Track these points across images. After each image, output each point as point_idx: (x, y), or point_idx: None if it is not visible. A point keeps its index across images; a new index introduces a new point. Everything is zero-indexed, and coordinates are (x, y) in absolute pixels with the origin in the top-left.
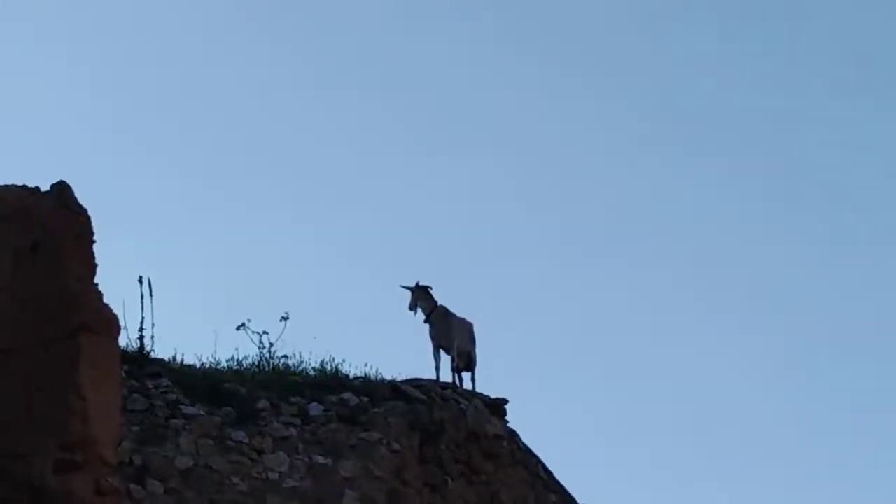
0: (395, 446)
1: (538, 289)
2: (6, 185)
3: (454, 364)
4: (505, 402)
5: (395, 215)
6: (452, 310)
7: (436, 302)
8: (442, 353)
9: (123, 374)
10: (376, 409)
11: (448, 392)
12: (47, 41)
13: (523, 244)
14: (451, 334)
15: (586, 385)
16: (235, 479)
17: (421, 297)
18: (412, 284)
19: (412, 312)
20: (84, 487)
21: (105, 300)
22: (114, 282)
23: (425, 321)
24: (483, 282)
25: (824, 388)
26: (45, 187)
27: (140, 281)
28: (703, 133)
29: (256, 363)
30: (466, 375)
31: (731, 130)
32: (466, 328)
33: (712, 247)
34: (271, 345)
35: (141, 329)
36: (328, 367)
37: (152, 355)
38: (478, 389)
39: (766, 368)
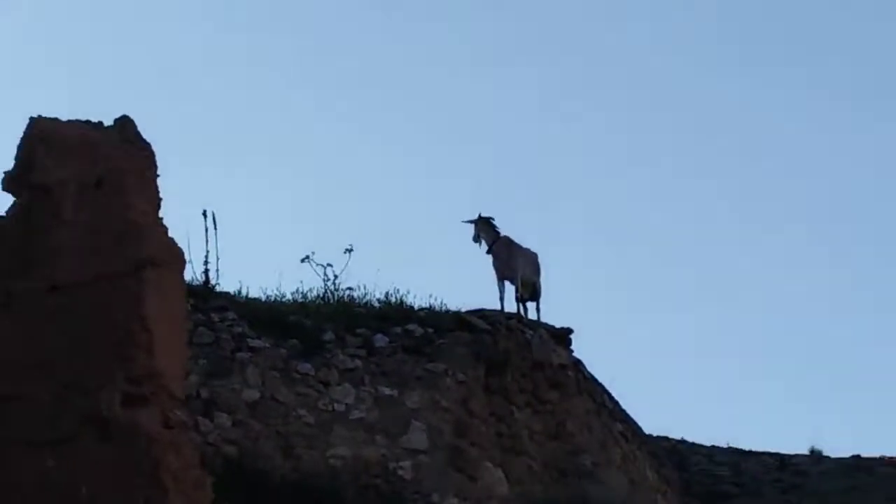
0: (461, 377)
1: (603, 218)
2: (69, 121)
3: (518, 294)
4: (570, 331)
5: (459, 144)
6: (517, 240)
7: (498, 233)
8: (506, 283)
9: (189, 308)
10: (441, 340)
11: (513, 322)
12: None
13: (585, 170)
14: (515, 264)
15: (651, 313)
16: (302, 411)
17: (483, 228)
18: (475, 217)
19: (476, 244)
20: (151, 421)
21: (170, 234)
22: (179, 216)
23: (488, 252)
24: (547, 212)
25: None
26: (108, 122)
27: (204, 214)
28: None
29: (321, 295)
30: (531, 305)
31: None
32: (530, 258)
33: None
34: (336, 277)
35: (206, 262)
36: (393, 299)
37: (218, 289)
38: (542, 319)
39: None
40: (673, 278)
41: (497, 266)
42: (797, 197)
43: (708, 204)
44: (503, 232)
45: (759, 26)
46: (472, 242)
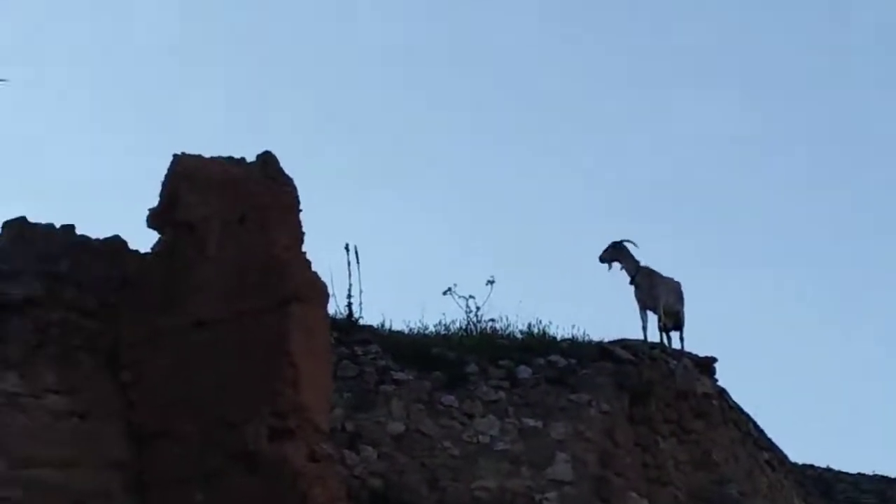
0: (605, 407)
1: (744, 247)
2: (213, 158)
3: (661, 324)
4: (714, 360)
5: (601, 175)
6: (657, 269)
7: (638, 262)
8: (649, 313)
9: (333, 342)
10: (585, 371)
11: (656, 352)
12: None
13: (726, 199)
14: (657, 293)
15: (795, 340)
16: (447, 444)
17: (622, 255)
18: (612, 243)
19: (604, 265)
20: (297, 454)
21: (313, 268)
22: (321, 250)
23: (630, 283)
24: (688, 240)
25: None
26: (250, 158)
27: (347, 248)
28: None
29: (464, 327)
30: (675, 335)
31: None
32: (673, 287)
33: None
34: (478, 308)
35: (349, 296)
36: (535, 330)
37: (361, 322)
38: (686, 348)
39: None
40: (818, 303)
41: (639, 296)
42: None
43: (853, 220)
44: (643, 262)
45: None
46: (600, 263)
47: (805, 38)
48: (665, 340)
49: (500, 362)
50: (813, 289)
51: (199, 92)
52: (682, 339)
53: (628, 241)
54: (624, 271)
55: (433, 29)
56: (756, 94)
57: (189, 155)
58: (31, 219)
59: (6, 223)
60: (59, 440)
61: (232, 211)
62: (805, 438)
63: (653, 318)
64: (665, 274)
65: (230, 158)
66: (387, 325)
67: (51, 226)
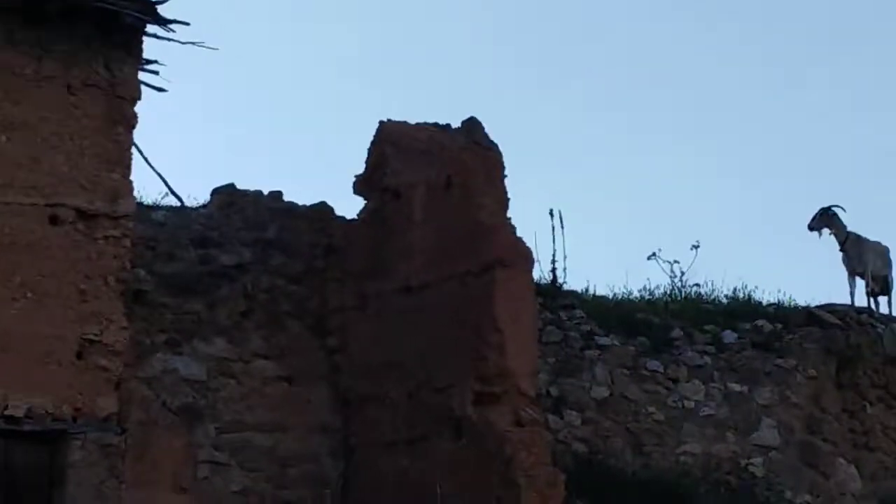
0: (812, 372)
1: None
2: (418, 124)
3: (869, 288)
4: None
5: (796, 137)
6: (865, 234)
7: (846, 228)
8: (856, 278)
9: (538, 307)
10: (791, 336)
11: (864, 317)
12: None
13: None
14: (866, 259)
15: None
16: (651, 408)
17: (832, 222)
18: (821, 209)
19: (814, 233)
20: (503, 419)
21: (518, 234)
22: (526, 215)
23: (840, 249)
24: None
25: None
26: (455, 124)
27: (551, 213)
28: None
29: (668, 292)
30: (883, 300)
31: None
32: (881, 252)
33: None
34: (683, 273)
35: (553, 261)
36: (740, 295)
37: (565, 287)
38: (894, 313)
39: None
40: None
41: (847, 263)
42: None
43: None
44: (850, 227)
45: None
46: (809, 231)
47: None
48: (873, 305)
49: (706, 327)
50: None
51: (402, 58)
52: (890, 303)
53: (837, 206)
54: (833, 237)
55: None
56: None
57: (394, 121)
58: (240, 186)
59: (215, 190)
60: (268, 405)
61: (438, 177)
62: None
63: (860, 284)
64: (872, 239)
65: (435, 124)
66: (591, 290)
67: (259, 193)
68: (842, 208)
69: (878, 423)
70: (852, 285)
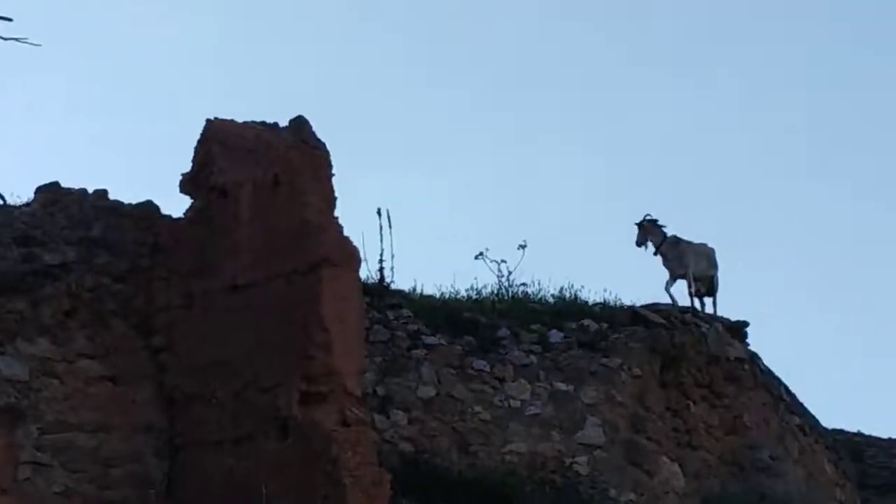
0: (636, 371)
1: (776, 215)
2: (245, 123)
3: (692, 290)
4: (745, 324)
5: (632, 139)
6: (688, 237)
7: (665, 234)
8: (679, 280)
9: (365, 306)
10: (616, 335)
11: (688, 316)
12: None
13: (758, 171)
14: (686, 261)
15: (827, 305)
16: (478, 408)
17: (649, 230)
18: (642, 218)
19: (642, 247)
20: (329, 418)
21: (345, 233)
22: (353, 214)
23: (655, 254)
24: (721, 208)
25: None
26: (283, 123)
27: (379, 213)
28: None
29: (496, 292)
30: (709, 301)
31: None
32: (703, 253)
33: None
34: (510, 273)
35: (381, 261)
36: (567, 294)
37: (393, 286)
38: (718, 313)
39: None
40: (849, 270)
41: (668, 265)
42: None
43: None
44: (673, 231)
45: None
46: (637, 247)
47: None
48: (699, 306)
49: (532, 327)
50: (845, 254)
51: (229, 59)
52: (715, 304)
53: (648, 215)
54: (650, 244)
55: None
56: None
57: (221, 119)
58: (64, 184)
59: (39, 188)
60: (92, 404)
61: (265, 175)
62: (836, 404)
63: (681, 285)
64: (697, 241)
65: (263, 123)
66: (418, 290)
67: (83, 191)
68: (650, 216)
69: (702, 421)
70: (669, 285)
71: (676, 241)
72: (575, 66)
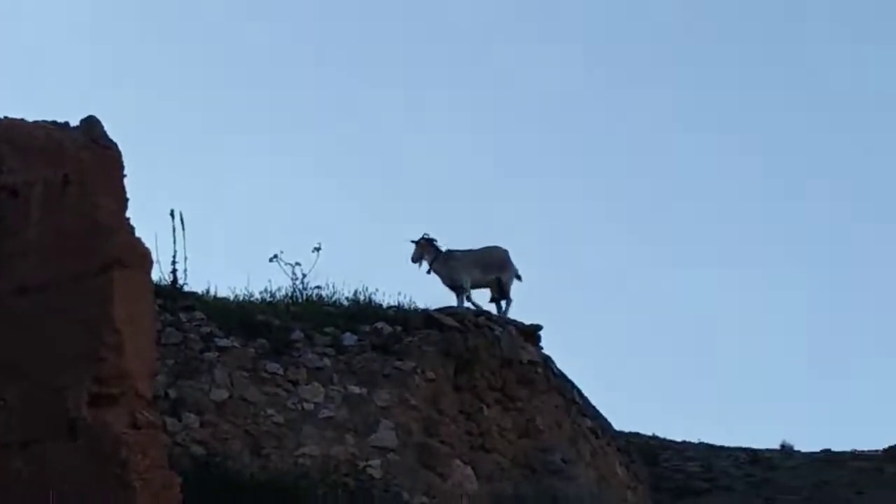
0: (430, 375)
1: (572, 213)
2: (36, 122)
3: (461, 300)
4: (539, 328)
5: (429, 140)
6: (484, 240)
7: (439, 251)
8: (458, 290)
9: (157, 308)
10: (410, 338)
11: (482, 319)
12: None
13: (550, 174)
14: (456, 277)
15: (623, 309)
16: (271, 411)
17: (426, 249)
18: (419, 237)
19: (416, 265)
20: (119, 421)
21: (137, 234)
22: (146, 216)
23: (428, 272)
24: (516, 211)
25: None
26: (74, 123)
27: (172, 214)
28: None
29: (290, 294)
30: (507, 302)
31: None
32: (480, 260)
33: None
34: (304, 276)
35: (174, 262)
36: (361, 297)
37: (185, 288)
38: (513, 316)
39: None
40: (642, 274)
41: (445, 283)
42: (757, 172)
43: (678, 205)
44: (458, 242)
45: None
46: (412, 263)
47: None
48: (497, 309)
49: (326, 330)
50: (640, 256)
51: (19, 54)
52: (507, 307)
53: (425, 235)
54: (424, 263)
55: None
56: None
57: (11, 118)
58: None
59: None
60: None
61: (55, 175)
62: (632, 407)
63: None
64: (483, 246)
65: (54, 122)
66: (212, 292)
67: None
68: (429, 236)
69: (495, 424)
70: (460, 300)
71: (448, 255)
72: (378, 66)
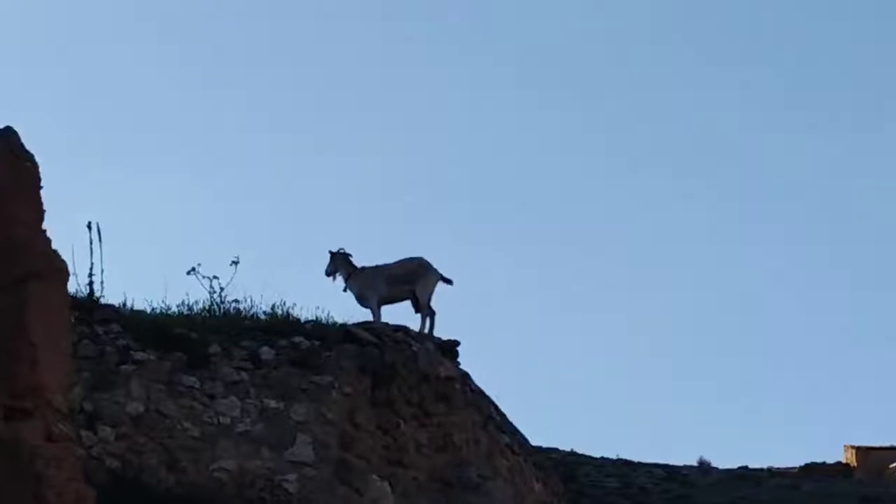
0: (347, 389)
1: (492, 223)
2: None
3: (376, 315)
4: (457, 343)
5: (350, 151)
6: (386, 259)
7: (354, 267)
8: (372, 303)
9: (73, 321)
10: (328, 353)
11: (399, 335)
12: None
13: (477, 186)
14: (368, 294)
15: (541, 324)
16: (187, 424)
17: (341, 264)
18: (336, 250)
19: (330, 278)
20: (34, 434)
21: (53, 246)
22: (62, 228)
23: (344, 290)
24: (437, 224)
25: None
26: None
27: (89, 226)
28: None
29: (207, 308)
30: (425, 315)
31: None
32: (392, 274)
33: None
34: (222, 289)
35: (90, 275)
36: (279, 311)
37: (102, 301)
38: (435, 331)
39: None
40: (562, 287)
41: (359, 302)
42: (660, 194)
43: (591, 213)
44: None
45: None
46: (326, 276)
47: None
48: (426, 325)
49: (243, 343)
50: (559, 272)
51: None
52: (429, 319)
53: (341, 250)
54: (339, 277)
55: None
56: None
57: None
58: None
59: None
60: None
61: None
62: (549, 423)
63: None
64: (402, 258)
65: None
66: (129, 305)
67: None
68: (345, 251)
69: (412, 439)
70: (374, 315)
71: (361, 273)
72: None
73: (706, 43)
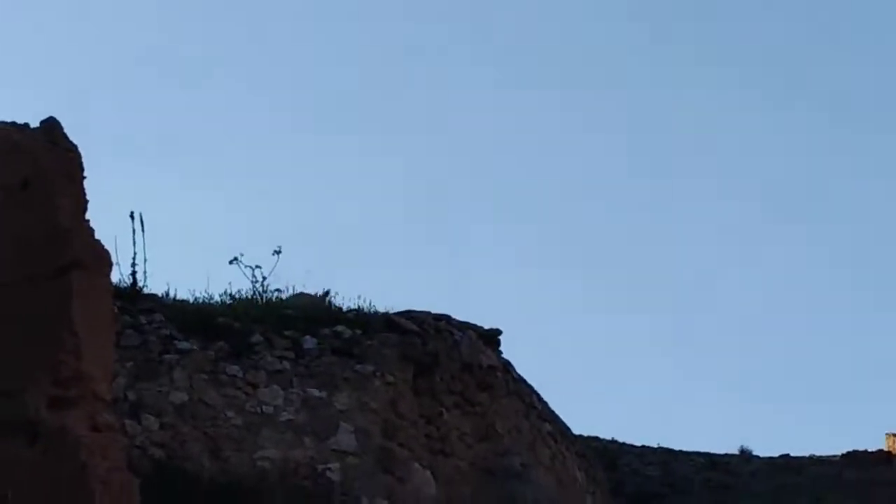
0: (390, 378)
1: (534, 216)
2: None
3: None
4: (499, 332)
5: (391, 144)
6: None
7: None
8: None
9: (117, 310)
10: (370, 342)
11: (442, 324)
12: None
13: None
14: None
15: (583, 314)
16: (230, 413)
17: None
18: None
19: None
20: (79, 423)
21: (97, 236)
22: (106, 218)
23: None
24: (481, 216)
25: None
26: (34, 124)
27: (132, 216)
28: None
29: (249, 297)
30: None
31: None
32: None
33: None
34: (264, 278)
35: (133, 264)
36: (323, 300)
37: (145, 291)
38: (473, 321)
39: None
40: (604, 278)
41: None
42: (712, 199)
43: (635, 204)
44: None
45: None
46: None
47: None
48: None
49: (286, 332)
50: (599, 264)
51: None
52: None
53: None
54: None
55: None
56: None
57: None
58: None
59: None
60: None
61: (14, 177)
62: (591, 412)
63: None
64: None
65: (13, 123)
66: (172, 294)
67: None
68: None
69: (454, 428)
70: None
71: None
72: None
73: (706, 43)
